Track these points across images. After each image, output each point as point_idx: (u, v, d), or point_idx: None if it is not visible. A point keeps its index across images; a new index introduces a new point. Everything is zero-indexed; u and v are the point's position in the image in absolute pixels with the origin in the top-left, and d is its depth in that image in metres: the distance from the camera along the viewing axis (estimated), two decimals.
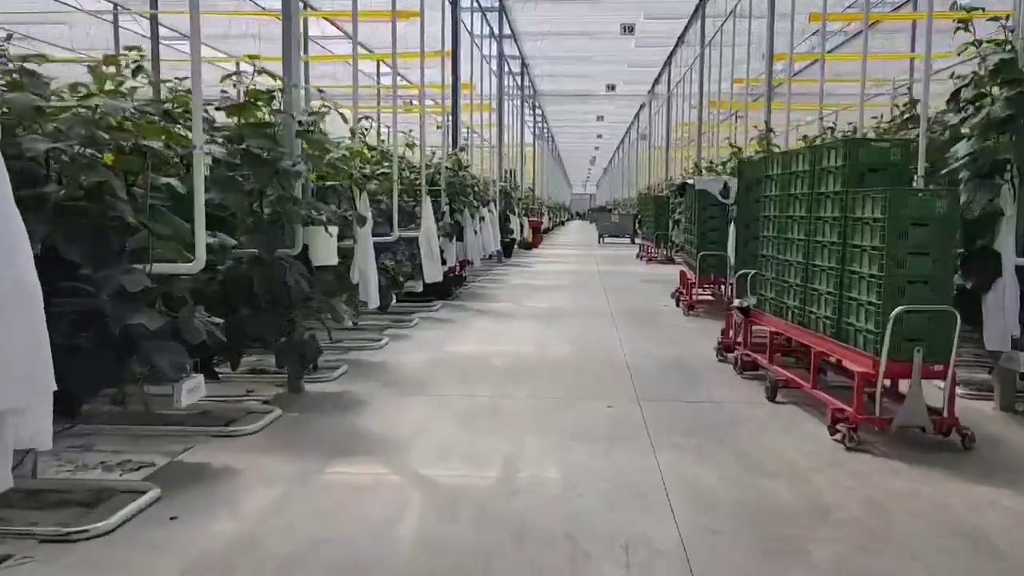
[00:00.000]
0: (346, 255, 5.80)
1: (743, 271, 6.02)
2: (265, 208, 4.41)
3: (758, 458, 3.90)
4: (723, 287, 9.21)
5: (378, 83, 14.06)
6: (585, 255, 20.14)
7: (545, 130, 37.94)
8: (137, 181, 3.38)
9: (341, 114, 4.70)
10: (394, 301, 7.46)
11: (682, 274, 10.46)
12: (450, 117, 12.63)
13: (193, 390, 3.56)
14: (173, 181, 3.52)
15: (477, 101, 15.51)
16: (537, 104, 32.47)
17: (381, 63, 13.70)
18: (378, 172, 8.52)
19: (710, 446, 4.08)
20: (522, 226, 20.68)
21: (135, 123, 3.26)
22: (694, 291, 9.05)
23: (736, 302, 5.83)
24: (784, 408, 4.85)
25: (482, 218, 13.05)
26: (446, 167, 9.48)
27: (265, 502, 3.32)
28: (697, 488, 3.49)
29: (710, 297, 9.51)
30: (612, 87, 23.35)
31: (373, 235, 7.25)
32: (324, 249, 4.85)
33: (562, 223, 48.01)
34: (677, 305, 9.65)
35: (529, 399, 5.06)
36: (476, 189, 12.37)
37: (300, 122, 4.37)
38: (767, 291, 5.55)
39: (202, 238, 3.45)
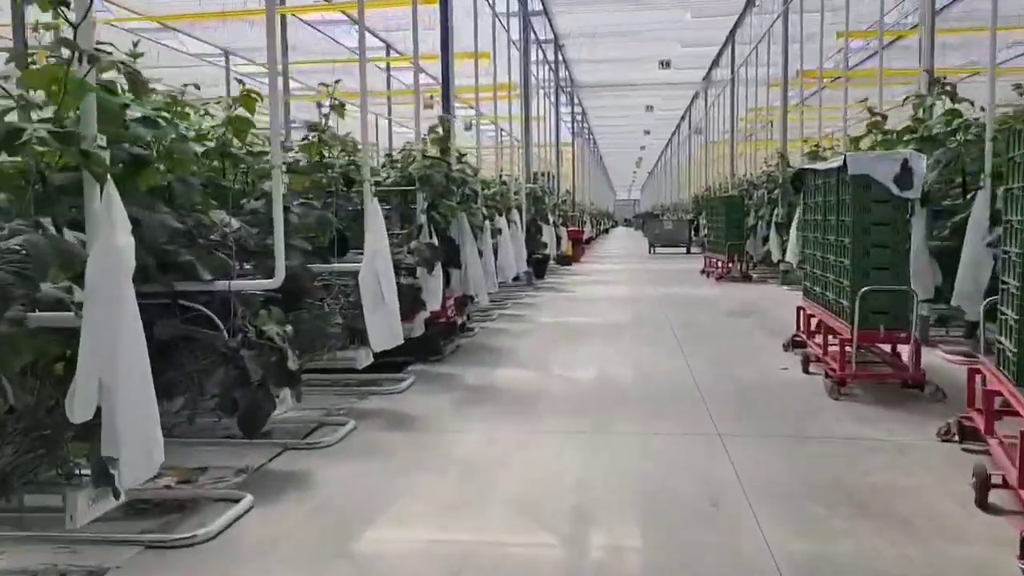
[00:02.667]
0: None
1: None
2: None
3: None
4: (904, 347, 5.32)
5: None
6: (637, 271, 16.30)
7: (585, 128, 34.11)
8: None
9: None
10: (286, 409, 3.78)
11: (803, 313, 6.62)
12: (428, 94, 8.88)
13: None
14: None
15: (493, 81, 11.81)
16: (576, 98, 28.70)
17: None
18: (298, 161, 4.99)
19: None
20: (559, 238, 16.95)
21: None
22: (847, 352, 5.16)
23: None
24: None
25: (498, 231, 9.37)
26: (420, 152, 5.81)
27: None
28: None
29: (863, 353, 5.62)
30: (666, 63, 19.47)
31: (243, 275, 3.74)
32: None
33: (606, 231, 44.26)
34: (805, 370, 5.80)
35: None
36: (484, 191, 8.69)
37: None
38: None
39: None
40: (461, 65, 11.47)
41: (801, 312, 6.71)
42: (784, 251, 12.25)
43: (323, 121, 4.69)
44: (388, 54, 18.35)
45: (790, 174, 7.47)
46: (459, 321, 7.18)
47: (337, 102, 4.52)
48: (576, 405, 4.99)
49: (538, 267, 13.47)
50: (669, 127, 35.61)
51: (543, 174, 18.87)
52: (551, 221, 14.90)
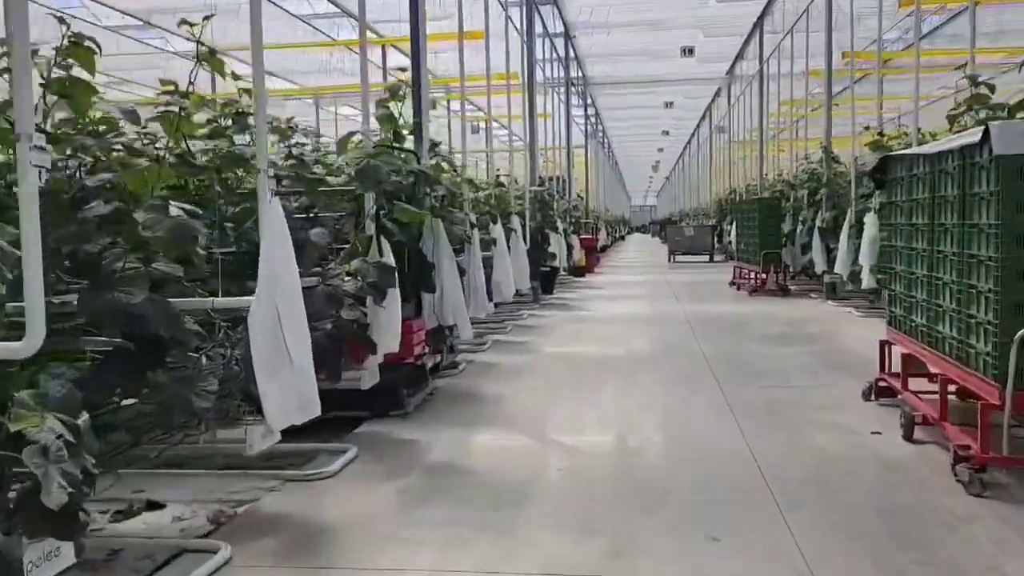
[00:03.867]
0: None
1: None
2: None
3: None
4: None
5: None
6: (657, 283, 14.59)
7: (599, 130, 32.42)
8: None
9: None
10: (53, 574, 2.17)
11: (890, 350, 4.95)
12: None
13: None
14: None
15: (487, 70, 10.06)
16: (590, 98, 27.03)
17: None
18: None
19: None
20: (570, 247, 15.28)
21: None
22: (989, 421, 3.43)
23: None
24: None
25: (493, 241, 7.75)
26: (371, 138, 4.14)
27: None
28: None
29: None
30: (689, 50, 17.73)
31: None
32: None
33: (621, 238, 42.62)
34: (909, 437, 4.11)
35: None
36: (474, 194, 7.05)
37: None
38: None
39: None
40: (451, 53, 9.81)
41: (887, 348, 5.01)
42: (831, 261, 10.53)
43: (190, 82, 3.04)
44: (384, 48, 16.80)
45: (863, 165, 5.75)
46: (433, 361, 5.51)
47: (207, 49, 2.88)
48: (583, 508, 3.30)
49: (545, 280, 11.81)
50: (688, 128, 33.87)
51: (552, 178, 17.24)
52: (560, 229, 13.23)
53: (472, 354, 7.15)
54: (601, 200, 31.60)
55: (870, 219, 8.69)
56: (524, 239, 10.01)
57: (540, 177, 12.65)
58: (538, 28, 16.50)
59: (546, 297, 11.85)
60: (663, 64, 20.33)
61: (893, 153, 4.91)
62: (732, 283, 13.65)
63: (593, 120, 29.50)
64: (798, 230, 12.09)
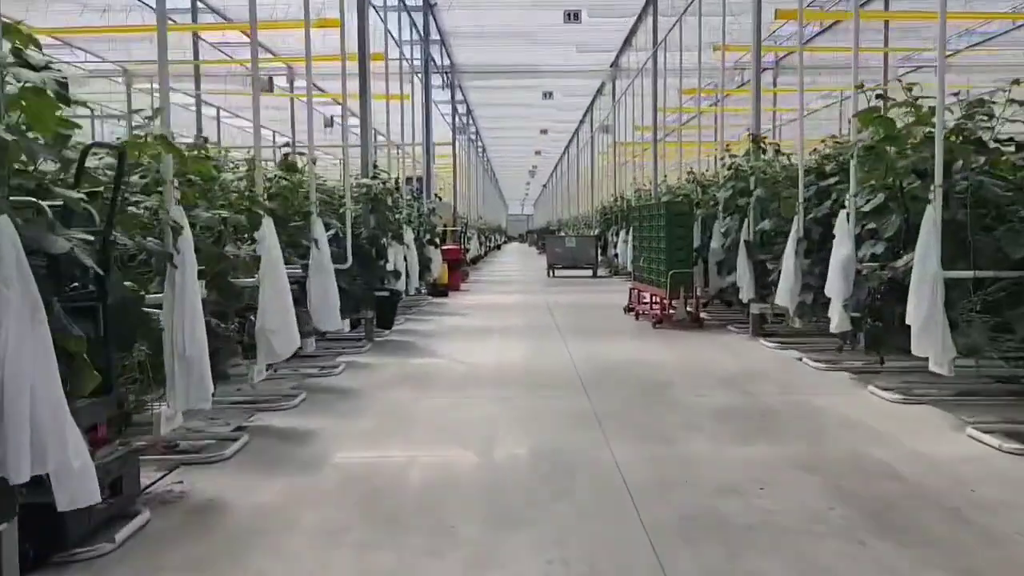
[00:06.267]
0: None
1: None
2: None
3: None
4: None
5: None
6: (537, 307, 11.55)
7: (473, 128, 29.33)
8: None
9: None
10: None
11: None
12: None
13: None
14: None
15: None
16: (461, 91, 23.93)
17: None
18: None
19: None
20: (428, 261, 12.06)
21: None
22: None
23: None
24: None
25: (256, 260, 4.41)
26: None
27: None
28: None
29: None
30: (574, 15, 14.65)
31: None
32: None
33: (498, 247, 39.94)
34: None
35: None
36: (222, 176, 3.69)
37: None
38: None
39: None
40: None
41: None
42: (765, 287, 7.78)
43: None
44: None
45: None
46: None
47: None
48: None
49: (382, 310, 8.44)
50: (568, 129, 31.32)
51: (409, 179, 13.98)
52: (409, 239, 9.94)
53: (198, 470, 3.77)
54: (474, 206, 28.54)
55: (842, 229, 5.90)
56: (346, 254, 6.73)
57: (375, 167, 9.30)
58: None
59: (384, 333, 8.53)
60: (541, 48, 17.43)
61: None
62: (629, 308, 10.81)
63: (464, 117, 26.39)
64: (715, 244, 9.33)
